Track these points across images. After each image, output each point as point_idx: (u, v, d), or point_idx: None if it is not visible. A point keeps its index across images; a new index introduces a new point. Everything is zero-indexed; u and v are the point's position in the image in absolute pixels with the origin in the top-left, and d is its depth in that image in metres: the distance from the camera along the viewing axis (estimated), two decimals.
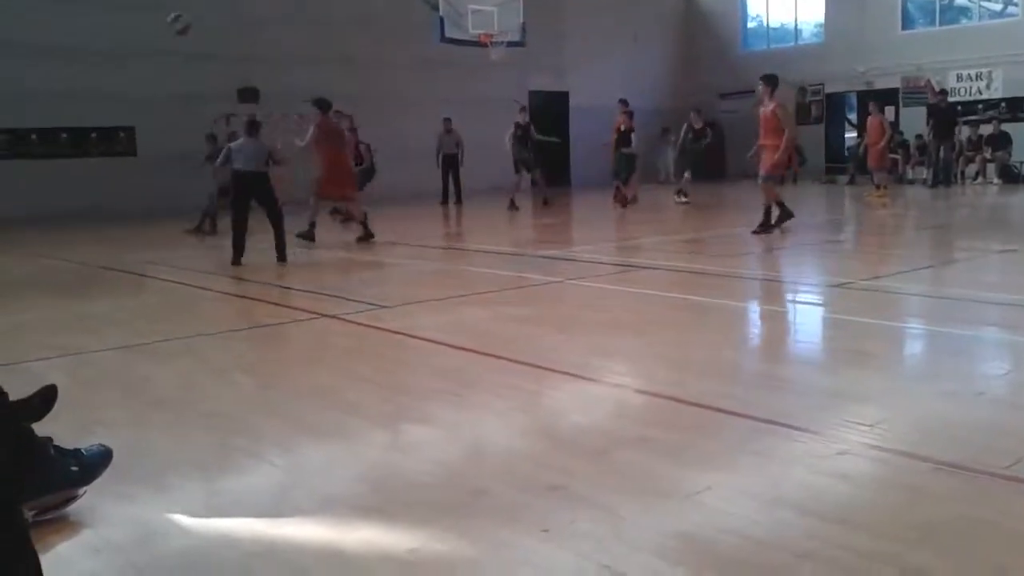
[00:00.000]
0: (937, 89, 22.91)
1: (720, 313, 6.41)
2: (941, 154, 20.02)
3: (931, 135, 20.31)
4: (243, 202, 9.53)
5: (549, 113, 25.35)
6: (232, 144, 9.85)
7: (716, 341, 5.41)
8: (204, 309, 7.29)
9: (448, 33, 17.64)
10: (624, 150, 16.31)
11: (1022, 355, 4.92)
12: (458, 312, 6.52)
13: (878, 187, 16.41)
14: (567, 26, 25.79)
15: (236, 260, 9.36)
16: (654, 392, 4.19)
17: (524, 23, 18.44)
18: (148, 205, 17.92)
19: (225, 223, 10.72)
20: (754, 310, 6.73)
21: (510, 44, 18.32)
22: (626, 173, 16.37)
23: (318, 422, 3.88)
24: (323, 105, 11.47)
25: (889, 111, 23.42)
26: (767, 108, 11.10)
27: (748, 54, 28.37)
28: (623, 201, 16.17)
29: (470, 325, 5.99)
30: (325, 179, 11.34)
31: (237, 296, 7.78)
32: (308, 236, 10.99)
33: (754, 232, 10.80)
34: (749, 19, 28.98)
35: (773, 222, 10.95)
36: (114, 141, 19.52)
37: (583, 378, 4.49)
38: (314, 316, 6.42)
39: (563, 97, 26.06)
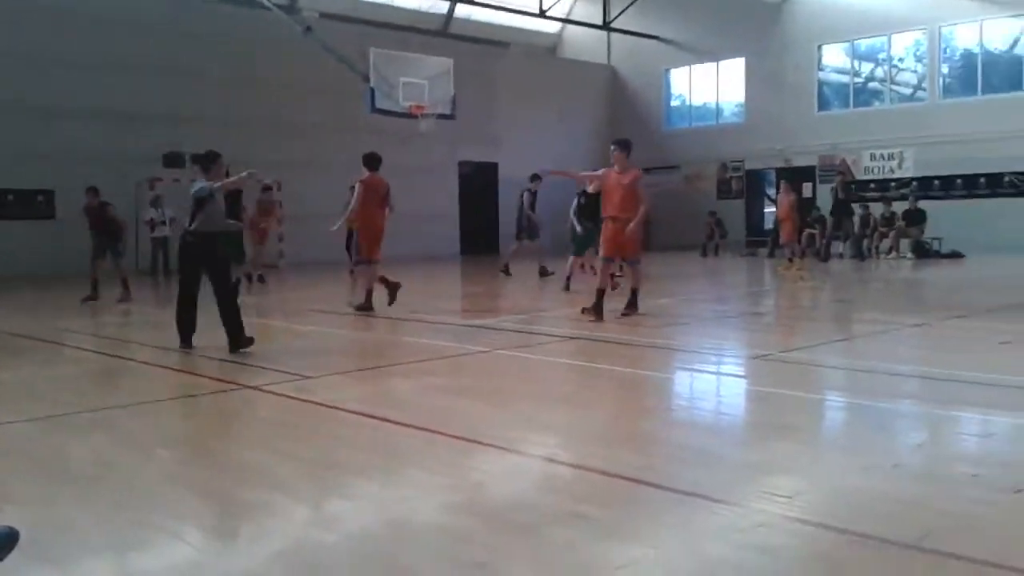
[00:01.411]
0: (848, 169, 24.05)
1: (643, 384, 6.50)
2: (853, 230, 21.11)
3: (831, 213, 21.41)
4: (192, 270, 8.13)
5: (478, 183, 25.74)
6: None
7: (640, 412, 5.48)
8: (123, 380, 7.09)
9: (379, 104, 17.81)
10: (586, 223, 14.00)
11: (935, 427, 5.08)
12: (384, 383, 6.47)
13: (790, 260, 17.08)
14: (497, 100, 26.32)
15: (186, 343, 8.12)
16: (581, 465, 4.20)
17: (455, 96, 18.74)
18: (65, 268, 17.49)
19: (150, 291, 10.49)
20: (676, 381, 6.83)
21: (440, 116, 18.58)
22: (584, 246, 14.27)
23: (238, 498, 3.79)
24: (372, 162, 10.94)
25: (807, 187, 24.39)
26: (624, 177, 9.79)
27: (671, 131, 29.31)
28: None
29: (397, 396, 5.95)
30: (373, 240, 10.80)
31: (157, 366, 7.60)
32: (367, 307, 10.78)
33: (624, 314, 9.81)
34: (672, 98, 29.99)
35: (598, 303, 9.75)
36: (31, 204, 19.12)
37: (511, 451, 4.48)
38: (237, 387, 6.30)
39: (492, 168, 26.46)
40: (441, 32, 27.78)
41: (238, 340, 7.77)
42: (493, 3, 26.54)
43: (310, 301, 11.63)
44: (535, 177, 15.93)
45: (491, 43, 28.60)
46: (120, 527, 3.45)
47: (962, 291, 10.77)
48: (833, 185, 22.14)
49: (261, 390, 6.16)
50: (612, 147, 10.08)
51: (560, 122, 27.94)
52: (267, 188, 16.72)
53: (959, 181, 23.18)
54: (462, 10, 27.56)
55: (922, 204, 22.11)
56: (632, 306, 9.96)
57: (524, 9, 27.17)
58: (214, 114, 20.57)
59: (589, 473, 4.07)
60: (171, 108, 20.20)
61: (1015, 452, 4.48)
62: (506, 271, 16.65)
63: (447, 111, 18.65)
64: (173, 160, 19.86)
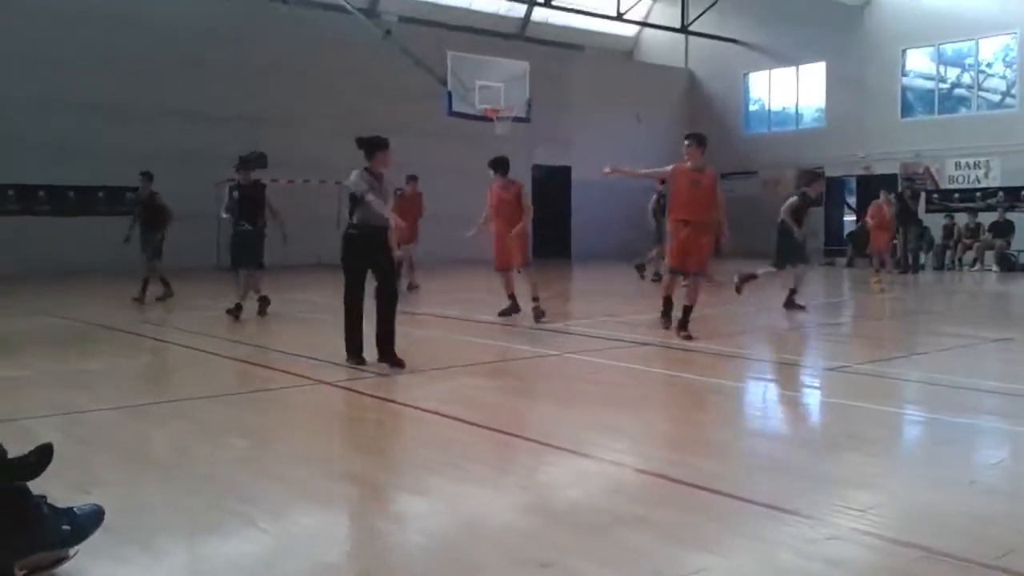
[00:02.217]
0: (936, 177, 23.37)
1: (715, 393, 6.43)
2: (909, 243, 20.46)
3: (897, 220, 20.78)
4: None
5: (551, 186, 25.74)
6: None
7: (712, 421, 5.43)
8: (201, 371, 7.30)
9: (456, 107, 17.97)
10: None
11: (1015, 444, 4.93)
12: (457, 382, 6.54)
13: (877, 270, 16.54)
14: (572, 103, 26.30)
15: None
16: (651, 471, 4.19)
17: (530, 99, 18.79)
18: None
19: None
20: (749, 390, 6.75)
21: (516, 119, 18.66)
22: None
23: (312, 489, 3.88)
24: (500, 167, 10.54)
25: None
26: (703, 176, 8.75)
27: (750, 136, 28.89)
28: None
29: (469, 396, 6.01)
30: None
31: (235, 360, 7.81)
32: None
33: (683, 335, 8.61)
34: (751, 102, 29.57)
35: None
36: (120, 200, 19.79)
37: (580, 454, 4.49)
38: (313, 383, 6.43)
39: (565, 171, 26.45)
40: (518, 35, 27.90)
41: (394, 354, 6.85)
42: (570, 6, 26.55)
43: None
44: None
45: (567, 46, 28.61)
46: (197, 511, 3.57)
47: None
48: (900, 191, 21.54)
49: (338, 386, 6.28)
50: (686, 141, 8.90)
51: (638, 125, 27.77)
52: (411, 178, 15.90)
53: None
54: (539, 13, 27.65)
55: (1009, 215, 21.38)
56: (684, 326, 8.63)
57: (601, 12, 27.12)
58: (289, 117, 20.98)
59: (658, 479, 4.05)
60: (246, 109, 20.62)
61: None
62: (641, 271, 16.49)
63: (522, 114, 18.72)
64: (255, 162, 20.31)
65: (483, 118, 18.22)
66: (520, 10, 27.77)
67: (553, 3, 25.95)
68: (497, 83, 18.16)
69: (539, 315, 10.01)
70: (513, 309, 10.32)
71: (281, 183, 20.12)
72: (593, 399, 5.99)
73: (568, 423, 5.22)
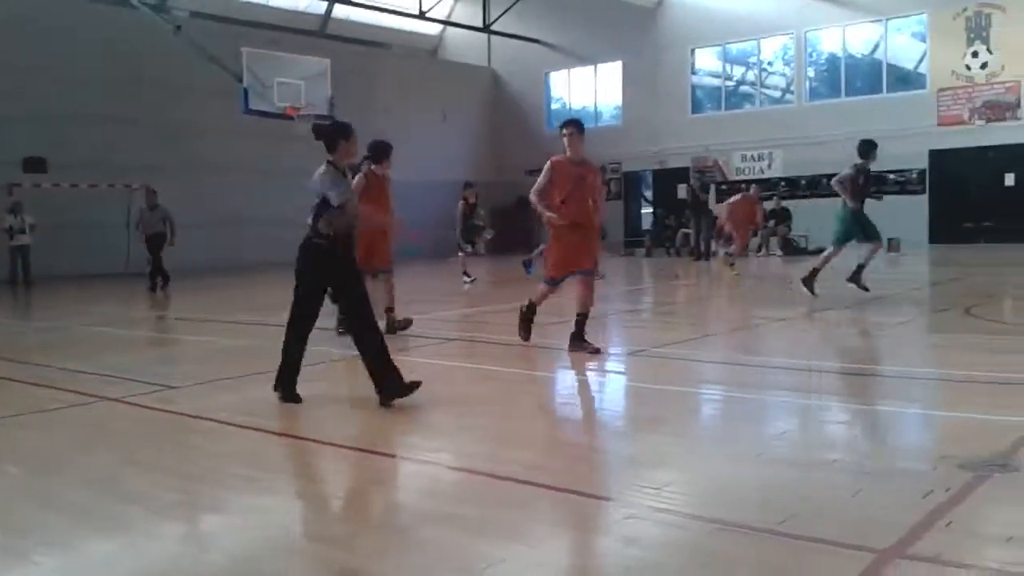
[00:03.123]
0: (724, 169, 24.87)
1: (522, 384, 6.52)
2: (701, 232, 21.47)
3: (689, 214, 21.89)
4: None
5: None
6: None
7: (521, 412, 5.49)
8: None
9: (253, 105, 17.38)
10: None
11: (797, 415, 5.28)
12: (253, 391, 6.28)
13: (732, 264, 16.28)
14: (377, 102, 26.08)
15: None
16: (461, 467, 4.18)
17: (332, 97, 18.46)
18: None
19: None
20: (556, 380, 6.89)
21: (318, 118, 18.26)
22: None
23: (96, 515, 3.61)
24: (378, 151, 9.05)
25: (681, 189, 25.06)
26: (587, 171, 7.53)
27: (553, 134, 29.57)
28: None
29: (267, 404, 5.78)
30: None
31: (9, 380, 7.18)
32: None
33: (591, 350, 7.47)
34: (553, 101, 30.35)
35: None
36: None
37: (393, 456, 4.42)
38: (96, 399, 6.01)
39: None
40: (319, 32, 27.33)
41: (401, 386, 5.41)
42: (372, 3, 26.27)
43: (174, 308, 11.23)
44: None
45: (371, 44, 28.33)
46: None
47: (825, 285, 11.23)
48: (690, 184, 22.84)
49: (123, 401, 5.89)
50: (564, 129, 7.44)
51: (444, 123, 27.92)
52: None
53: (825, 180, 24.17)
54: (340, 10, 27.19)
55: (792, 203, 23.04)
56: (581, 337, 7.45)
57: (404, 10, 27.01)
58: (82, 115, 19.66)
59: (468, 474, 4.05)
60: (33, 110, 19.18)
61: (872, 438, 4.69)
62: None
63: (325, 112, 18.36)
64: (35, 165, 18.90)
65: (283, 116, 17.73)
66: (320, 7, 27.22)
67: (354, 0, 25.61)
68: (297, 80, 17.72)
69: (399, 327, 8.85)
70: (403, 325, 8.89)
71: (64, 187, 18.87)
72: (405, 399, 5.91)
73: (379, 425, 5.13)
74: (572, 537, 3.18)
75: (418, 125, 26.84)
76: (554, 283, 7.67)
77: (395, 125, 26.32)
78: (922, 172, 22.82)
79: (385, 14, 27.26)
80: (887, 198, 22.63)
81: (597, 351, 7.31)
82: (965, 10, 21.96)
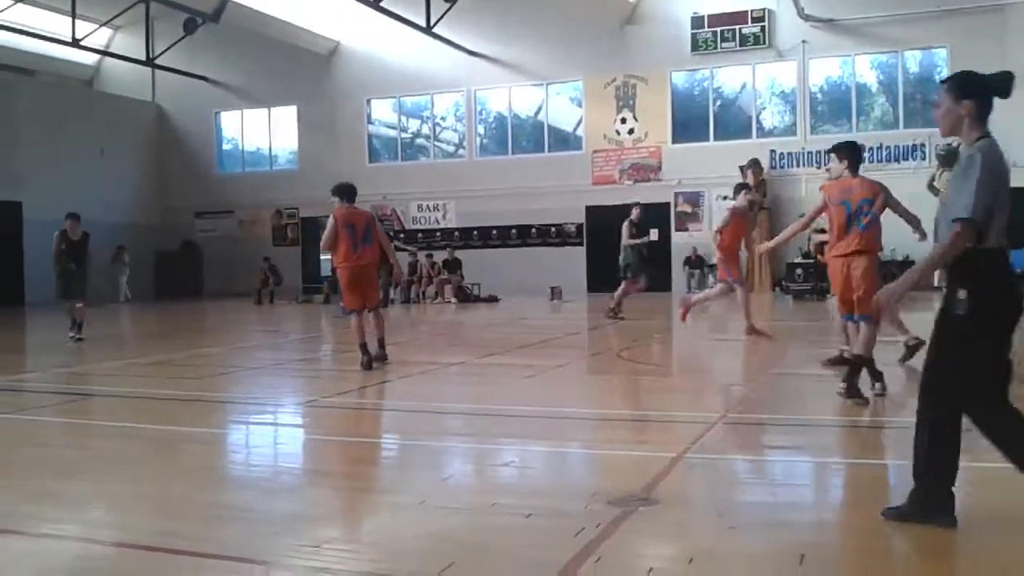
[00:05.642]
0: (401, 218, 25.33)
1: (177, 442, 6.00)
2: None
3: None
4: None
5: None
6: None
7: (169, 473, 5.03)
8: None
9: None
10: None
11: (464, 459, 5.32)
12: None
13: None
14: (21, 133, 23.60)
15: None
16: (94, 539, 3.71)
17: None
18: None
19: None
20: (215, 435, 6.41)
21: None
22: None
23: None
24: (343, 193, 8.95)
25: None
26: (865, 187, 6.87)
27: (225, 175, 28.55)
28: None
29: None
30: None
31: None
32: None
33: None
34: (225, 141, 29.23)
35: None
36: None
37: (8, 531, 3.81)
38: None
39: (15, 207, 23.49)
40: None
41: None
42: (14, 26, 23.72)
43: None
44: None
45: (13, 69, 25.59)
46: None
47: (496, 331, 11.69)
48: None
49: None
50: (832, 154, 7.04)
51: (101, 158, 25.84)
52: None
53: (495, 232, 25.46)
54: None
55: (465, 252, 23.88)
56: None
57: (55, 35, 24.67)
58: None
59: (107, 547, 3.60)
60: None
61: (533, 477, 4.82)
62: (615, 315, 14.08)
63: None
64: None
65: None
66: None
67: None
68: None
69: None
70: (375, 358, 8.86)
71: None
72: (31, 464, 5.21)
73: (2, 496, 4.44)
74: None
75: (74, 160, 24.62)
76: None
77: (46, 160, 23.99)
78: (579, 226, 24.67)
79: (31, 39, 24.70)
80: (548, 250, 24.59)
81: None
82: (614, 80, 24.22)
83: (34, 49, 25.94)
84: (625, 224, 14.54)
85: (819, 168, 20.17)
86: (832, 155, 7.01)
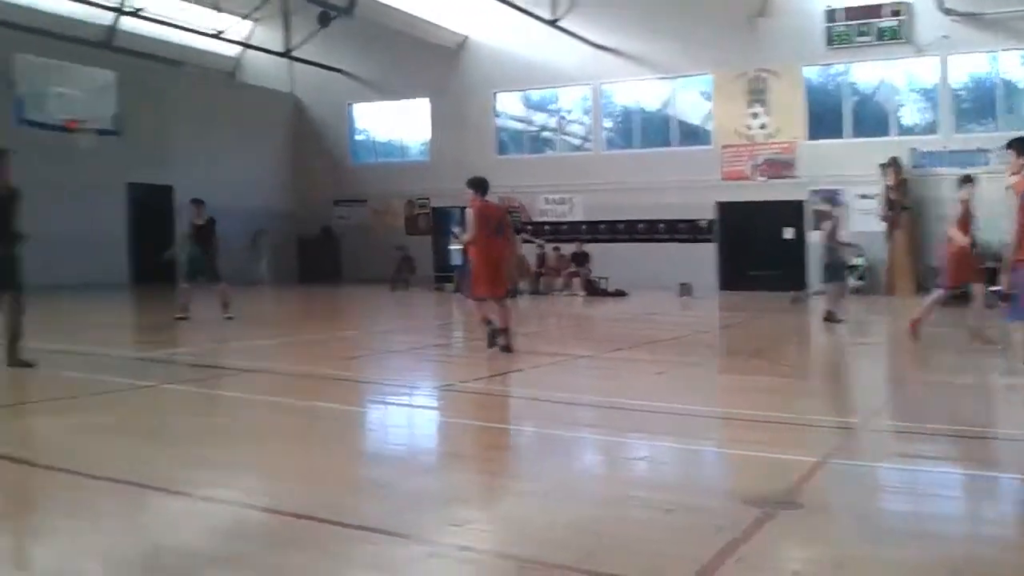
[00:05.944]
0: (528, 211, 25.57)
1: (323, 418, 6.26)
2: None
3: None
4: None
5: (151, 206, 24.11)
6: None
7: (313, 446, 5.25)
8: None
9: (28, 115, 16.04)
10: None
11: (601, 452, 5.35)
12: (26, 421, 5.69)
13: None
14: (171, 120, 24.86)
15: None
16: (253, 505, 3.92)
17: (119, 112, 17.38)
18: None
19: None
20: (359, 414, 6.67)
21: (102, 132, 17.12)
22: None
23: None
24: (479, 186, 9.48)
25: None
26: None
27: (358, 166, 29.36)
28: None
29: (41, 436, 5.24)
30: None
31: None
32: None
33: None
34: (357, 132, 30.03)
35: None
36: None
37: (177, 493, 4.08)
38: None
39: (166, 191, 24.83)
40: (104, 44, 25.63)
41: None
42: (163, 19, 24.96)
43: None
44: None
45: (163, 60, 26.95)
46: None
47: (624, 326, 11.65)
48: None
49: None
50: (1011, 150, 7.08)
51: (241, 148, 26.99)
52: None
53: (621, 225, 25.31)
54: (130, 23, 25.58)
55: (592, 246, 23.86)
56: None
57: (199, 29, 25.85)
58: None
59: (261, 512, 3.81)
60: None
61: (668, 473, 4.81)
62: (831, 319, 12.93)
63: (109, 127, 17.23)
64: None
65: (62, 129, 16.48)
66: (107, 17, 25.53)
67: (142, 14, 24.22)
68: (78, 92, 16.53)
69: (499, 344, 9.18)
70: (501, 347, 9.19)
71: None
72: (195, 433, 5.54)
73: (163, 461, 4.74)
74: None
75: (214, 147, 25.79)
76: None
77: (193, 146, 25.25)
78: (711, 221, 24.25)
79: (178, 30, 25.96)
80: (676, 245, 24.30)
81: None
82: (745, 73, 23.68)
83: (180, 40, 27.27)
84: (829, 223, 14.09)
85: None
86: (1011, 151, 6.97)
